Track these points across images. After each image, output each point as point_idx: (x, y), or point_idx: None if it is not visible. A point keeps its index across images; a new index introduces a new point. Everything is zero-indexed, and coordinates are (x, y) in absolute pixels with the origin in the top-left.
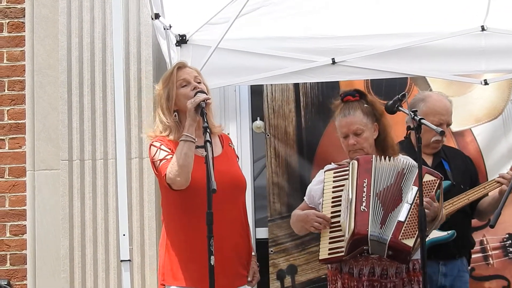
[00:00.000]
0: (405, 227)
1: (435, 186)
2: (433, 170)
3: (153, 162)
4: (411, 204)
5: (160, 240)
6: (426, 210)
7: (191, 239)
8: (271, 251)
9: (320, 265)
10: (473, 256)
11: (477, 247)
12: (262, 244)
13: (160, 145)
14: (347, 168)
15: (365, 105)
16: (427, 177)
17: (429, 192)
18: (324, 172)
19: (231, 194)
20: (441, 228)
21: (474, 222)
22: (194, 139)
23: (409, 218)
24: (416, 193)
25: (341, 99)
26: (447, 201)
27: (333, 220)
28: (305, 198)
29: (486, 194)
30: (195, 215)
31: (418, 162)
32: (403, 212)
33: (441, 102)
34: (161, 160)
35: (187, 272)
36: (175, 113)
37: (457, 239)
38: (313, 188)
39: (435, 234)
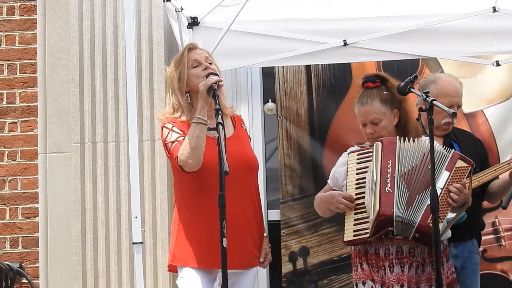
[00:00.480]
0: None
1: (466, 172)
2: (465, 156)
3: (165, 144)
4: (442, 189)
5: (172, 221)
6: (455, 196)
7: (203, 220)
8: (283, 233)
9: (333, 247)
10: (485, 237)
11: (489, 229)
12: (274, 226)
13: (172, 126)
14: (371, 150)
15: (385, 92)
16: (460, 163)
17: (461, 178)
18: (348, 154)
19: (243, 175)
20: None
21: (486, 203)
22: (206, 121)
23: (439, 202)
24: (448, 178)
25: (362, 84)
26: None
27: (357, 202)
28: (328, 181)
29: (497, 177)
30: (207, 196)
31: (430, 144)
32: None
33: (451, 84)
34: (172, 142)
35: (199, 253)
36: (187, 94)
37: (467, 221)
38: (336, 170)
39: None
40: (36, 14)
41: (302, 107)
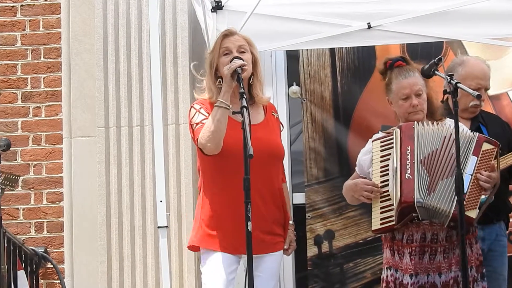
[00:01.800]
0: (468, 198)
1: (494, 154)
2: (490, 138)
3: (190, 124)
4: (472, 175)
5: (196, 203)
6: (486, 185)
7: (226, 203)
8: (308, 216)
9: (358, 230)
10: None
11: None
12: (299, 210)
13: (200, 108)
14: (393, 136)
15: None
16: (486, 146)
17: (489, 161)
18: (372, 141)
19: (266, 162)
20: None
21: None
22: (229, 106)
23: (470, 189)
24: (476, 163)
25: (391, 65)
26: None
27: (383, 190)
28: (356, 168)
29: None
30: (229, 179)
31: (455, 127)
32: (464, 184)
33: (479, 66)
34: (197, 123)
35: (222, 236)
36: (219, 79)
37: (494, 203)
38: (361, 158)
39: None
40: None
41: (327, 90)
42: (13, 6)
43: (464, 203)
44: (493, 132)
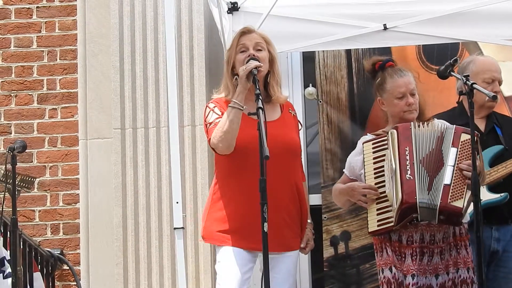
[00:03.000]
0: (452, 189)
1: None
2: (467, 128)
3: (205, 124)
4: (453, 166)
5: (207, 198)
6: (468, 173)
7: (241, 201)
8: (325, 217)
9: None
10: None
11: None
12: (315, 211)
13: (214, 107)
14: (385, 138)
15: None
16: (464, 137)
17: (469, 151)
18: (363, 144)
19: (282, 158)
20: (494, 191)
21: None
22: (242, 107)
23: (454, 179)
24: (457, 154)
25: (381, 66)
26: (500, 164)
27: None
28: (344, 170)
29: None
30: (243, 177)
31: (471, 127)
32: (447, 175)
33: (489, 60)
34: (210, 123)
35: (238, 233)
36: (236, 76)
37: (510, 203)
38: (352, 159)
39: (487, 196)
40: (76, 1)
41: (343, 92)
42: (29, 8)
43: (450, 194)
44: (508, 132)
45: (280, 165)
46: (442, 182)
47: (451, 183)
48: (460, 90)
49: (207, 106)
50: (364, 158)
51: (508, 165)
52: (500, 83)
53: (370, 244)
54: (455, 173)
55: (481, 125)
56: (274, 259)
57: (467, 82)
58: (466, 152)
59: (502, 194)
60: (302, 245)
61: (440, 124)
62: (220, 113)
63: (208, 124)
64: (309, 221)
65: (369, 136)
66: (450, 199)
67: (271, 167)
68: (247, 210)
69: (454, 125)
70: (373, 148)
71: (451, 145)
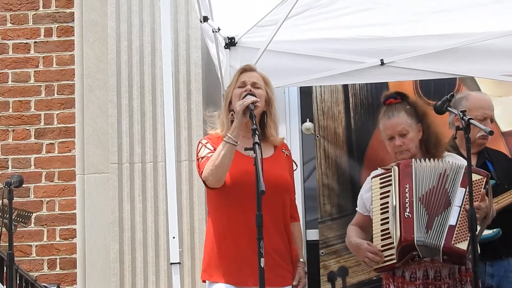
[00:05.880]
0: (457, 231)
1: (482, 184)
2: (478, 168)
3: (197, 159)
4: (460, 207)
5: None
6: (476, 215)
7: (229, 234)
8: (322, 253)
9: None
10: None
11: None
12: (312, 246)
13: (206, 142)
14: (391, 173)
15: (408, 106)
16: (474, 177)
17: (478, 191)
18: (371, 178)
19: (271, 193)
20: (487, 227)
21: None
22: (236, 142)
23: (460, 221)
24: (465, 195)
25: (383, 102)
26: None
27: (383, 227)
28: (357, 208)
29: None
30: (232, 213)
31: (468, 163)
32: (453, 216)
33: (482, 97)
34: (202, 157)
35: (228, 269)
36: (231, 112)
37: (503, 238)
38: (364, 196)
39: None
40: (73, 36)
41: (340, 127)
42: (26, 43)
43: (454, 235)
44: (500, 166)
45: (268, 200)
46: (447, 222)
47: (456, 224)
48: (457, 125)
49: (200, 142)
50: (372, 193)
51: (500, 200)
52: (491, 120)
53: (367, 280)
54: (461, 214)
55: (473, 160)
56: None
57: (464, 117)
58: (475, 192)
59: (494, 230)
60: (294, 283)
61: (447, 160)
62: (212, 148)
63: (200, 159)
64: (301, 260)
65: (379, 171)
66: (454, 240)
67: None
68: (235, 243)
69: (465, 164)
70: (380, 183)
71: (460, 185)
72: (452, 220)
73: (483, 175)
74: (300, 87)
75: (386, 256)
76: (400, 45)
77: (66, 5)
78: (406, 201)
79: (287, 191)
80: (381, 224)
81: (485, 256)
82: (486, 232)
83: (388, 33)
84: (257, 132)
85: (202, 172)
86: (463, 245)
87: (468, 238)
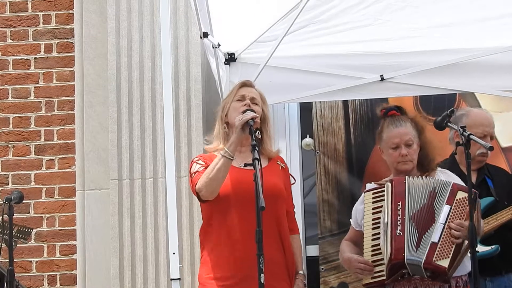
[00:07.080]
0: (439, 248)
1: (467, 201)
2: (464, 185)
3: (190, 175)
4: (444, 224)
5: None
6: (456, 233)
7: (222, 248)
8: (322, 268)
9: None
10: None
11: None
12: (312, 262)
13: (198, 159)
14: (385, 188)
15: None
16: (460, 194)
17: (463, 209)
18: (364, 193)
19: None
20: (485, 243)
21: None
22: (232, 157)
23: (442, 238)
24: (449, 213)
25: (385, 113)
26: (491, 216)
27: (374, 243)
28: (351, 221)
29: None
30: (224, 226)
31: (468, 178)
32: (436, 233)
33: (483, 114)
34: (195, 172)
35: (219, 281)
36: (225, 124)
37: (503, 254)
38: (357, 208)
39: (479, 249)
40: (73, 52)
41: (340, 142)
42: (26, 59)
43: (436, 252)
44: (499, 183)
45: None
46: (430, 239)
47: (438, 241)
48: (457, 140)
49: (192, 161)
50: (364, 207)
51: (498, 217)
52: (492, 138)
53: None
54: (445, 232)
55: (473, 177)
56: None
57: (464, 133)
58: (460, 210)
59: (493, 247)
60: None
61: (437, 177)
62: (203, 163)
63: (193, 174)
64: (300, 272)
65: (372, 185)
66: (435, 257)
67: (254, 214)
68: (226, 256)
69: (452, 182)
70: (373, 198)
71: (445, 203)
72: (435, 237)
73: (467, 192)
74: (300, 103)
75: (376, 272)
76: (400, 61)
77: (66, 21)
78: (398, 219)
79: (280, 198)
80: (372, 240)
81: (484, 272)
82: (485, 249)
83: (388, 48)
84: (256, 148)
85: (195, 185)
86: (445, 262)
87: (451, 255)
